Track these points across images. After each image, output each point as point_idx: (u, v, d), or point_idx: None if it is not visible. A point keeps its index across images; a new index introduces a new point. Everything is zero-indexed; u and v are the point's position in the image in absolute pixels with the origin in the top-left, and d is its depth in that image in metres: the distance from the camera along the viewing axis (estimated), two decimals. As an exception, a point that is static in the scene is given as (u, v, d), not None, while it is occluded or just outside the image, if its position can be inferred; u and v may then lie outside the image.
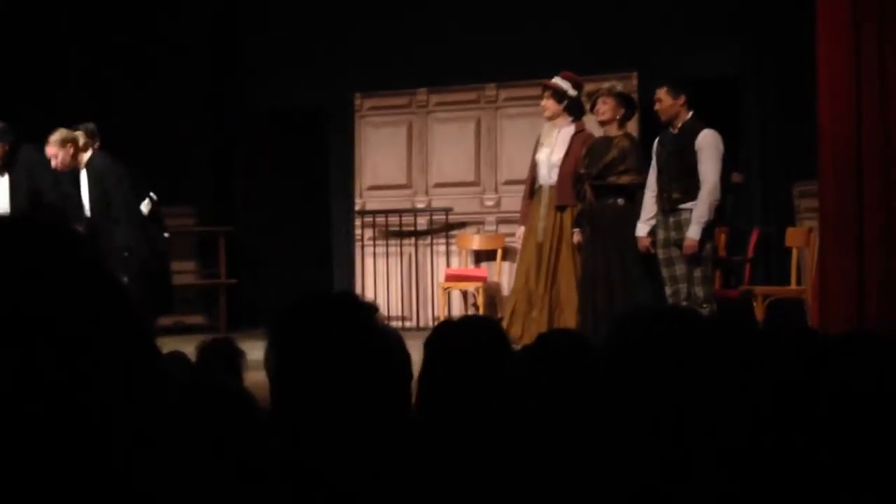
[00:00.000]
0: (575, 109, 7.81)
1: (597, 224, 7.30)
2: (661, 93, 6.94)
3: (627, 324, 1.79)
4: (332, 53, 10.11)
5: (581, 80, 7.87)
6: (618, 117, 7.35)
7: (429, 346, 2.44)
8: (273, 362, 1.82)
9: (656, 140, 7.11)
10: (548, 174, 7.77)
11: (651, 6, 9.13)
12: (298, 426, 1.74)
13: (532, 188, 7.93)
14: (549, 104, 7.82)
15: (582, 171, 7.40)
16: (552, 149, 7.77)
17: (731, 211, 8.09)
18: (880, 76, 6.11)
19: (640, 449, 1.63)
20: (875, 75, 6.11)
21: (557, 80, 7.81)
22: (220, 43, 10.59)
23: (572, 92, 7.77)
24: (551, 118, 7.85)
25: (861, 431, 1.72)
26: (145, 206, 7.62)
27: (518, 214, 8.31)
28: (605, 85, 7.52)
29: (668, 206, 6.92)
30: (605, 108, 7.34)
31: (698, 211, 6.79)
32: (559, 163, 7.69)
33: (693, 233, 6.79)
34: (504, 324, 7.76)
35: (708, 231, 6.84)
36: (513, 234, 9.26)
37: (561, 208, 7.67)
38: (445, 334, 2.47)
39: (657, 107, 6.98)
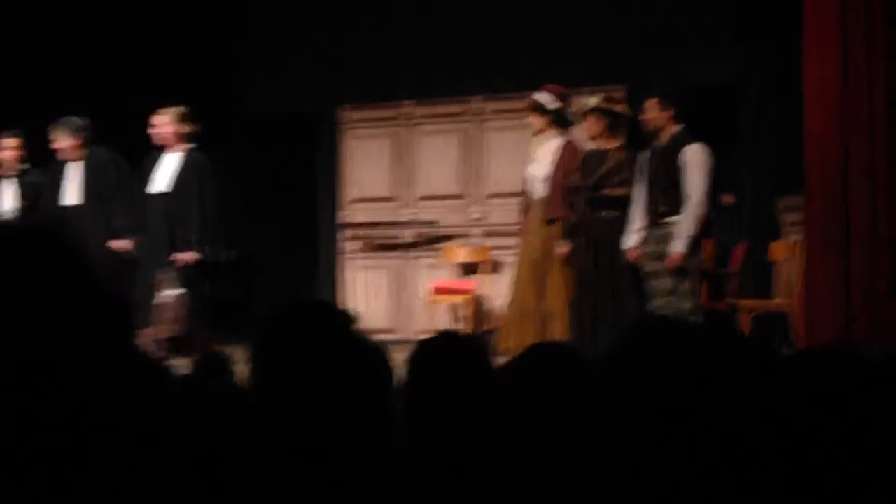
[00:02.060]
0: (561, 121, 7.83)
1: (591, 236, 7.30)
2: (651, 103, 6.95)
3: (636, 335, 1.78)
4: (319, 65, 10.11)
5: (565, 91, 7.88)
6: (602, 131, 7.39)
7: (408, 364, 2.41)
8: (254, 374, 1.81)
9: (644, 152, 7.11)
10: (538, 188, 7.78)
11: (641, 18, 9.13)
12: (279, 435, 1.73)
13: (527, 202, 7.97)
14: (533, 119, 7.86)
15: (577, 183, 7.40)
16: (540, 163, 7.79)
17: (717, 227, 8.09)
18: (867, 84, 6.12)
19: (647, 461, 1.62)
20: (862, 83, 6.13)
21: (538, 95, 7.84)
22: (207, 53, 10.56)
23: (553, 105, 7.78)
24: (538, 133, 7.88)
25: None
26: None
27: (512, 227, 8.33)
28: (584, 101, 7.55)
29: (655, 219, 6.92)
30: (588, 124, 7.44)
31: (683, 225, 6.80)
32: (547, 176, 7.70)
33: (677, 246, 6.79)
34: (498, 337, 7.77)
35: (694, 245, 6.84)
36: (499, 248, 9.27)
37: (550, 221, 7.67)
38: (424, 353, 2.44)
39: (642, 116, 7.00)
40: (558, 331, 7.45)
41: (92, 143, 7.66)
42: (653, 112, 6.94)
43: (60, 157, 7.62)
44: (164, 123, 7.44)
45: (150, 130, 7.44)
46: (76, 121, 7.62)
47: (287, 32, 10.22)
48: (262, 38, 10.35)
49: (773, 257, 8.17)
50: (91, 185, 7.53)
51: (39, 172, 7.88)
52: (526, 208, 7.94)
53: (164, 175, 7.36)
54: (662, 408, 1.64)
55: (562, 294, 7.56)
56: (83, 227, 7.16)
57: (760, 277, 8.52)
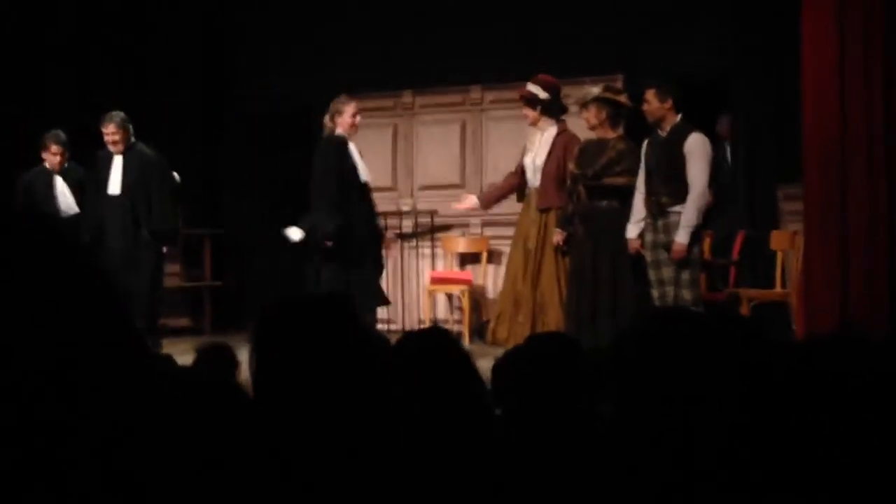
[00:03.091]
0: (553, 111, 7.83)
1: (590, 225, 7.29)
2: (650, 94, 6.93)
3: (641, 325, 1.77)
4: (318, 55, 10.08)
5: (554, 80, 7.88)
6: (603, 121, 7.36)
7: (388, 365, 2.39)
8: (255, 362, 1.81)
9: (645, 142, 7.10)
10: (533, 177, 7.80)
11: (637, 7, 9.12)
12: (278, 424, 1.73)
13: (514, 188, 7.99)
14: (526, 111, 7.89)
15: (576, 171, 7.39)
16: (536, 152, 7.80)
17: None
18: (865, 73, 6.12)
19: (653, 450, 1.61)
20: (860, 72, 6.12)
21: (528, 86, 7.85)
22: (207, 44, 10.54)
23: (543, 95, 7.78)
24: (533, 124, 7.89)
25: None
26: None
27: (512, 217, 8.31)
28: (586, 90, 7.53)
29: (657, 209, 6.91)
30: (588, 115, 7.41)
31: (686, 215, 6.78)
32: (542, 165, 7.71)
33: (681, 237, 6.78)
34: (491, 326, 7.78)
35: (695, 235, 6.84)
36: (498, 238, 9.25)
37: (544, 210, 7.68)
38: (398, 353, 2.42)
39: (644, 107, 6.98)
40: (552, 321, 7.45)
41: (136, 139, 7.99)
42: (653, 103, 6.92)
43: (110, 149, 7.96)
44: (354, 112, 7.93)
45: (357, 121, 7.92)
46: (122, 115, 7.96)
47: (285, 25, 10.19)
48: (259, 31, 10.33)
49: (773, 247, 8.17)
50: (128, 178, 7.87)
51: (79, 167, 8.34)
52: (512, 191, 7.99)
53: (364, 168, 7.98)
54: (668, 398, 1.64)
55: (554, 284, 7.56)
56: (119, 218, 7.71)
57: (761, 267, 8.52)
